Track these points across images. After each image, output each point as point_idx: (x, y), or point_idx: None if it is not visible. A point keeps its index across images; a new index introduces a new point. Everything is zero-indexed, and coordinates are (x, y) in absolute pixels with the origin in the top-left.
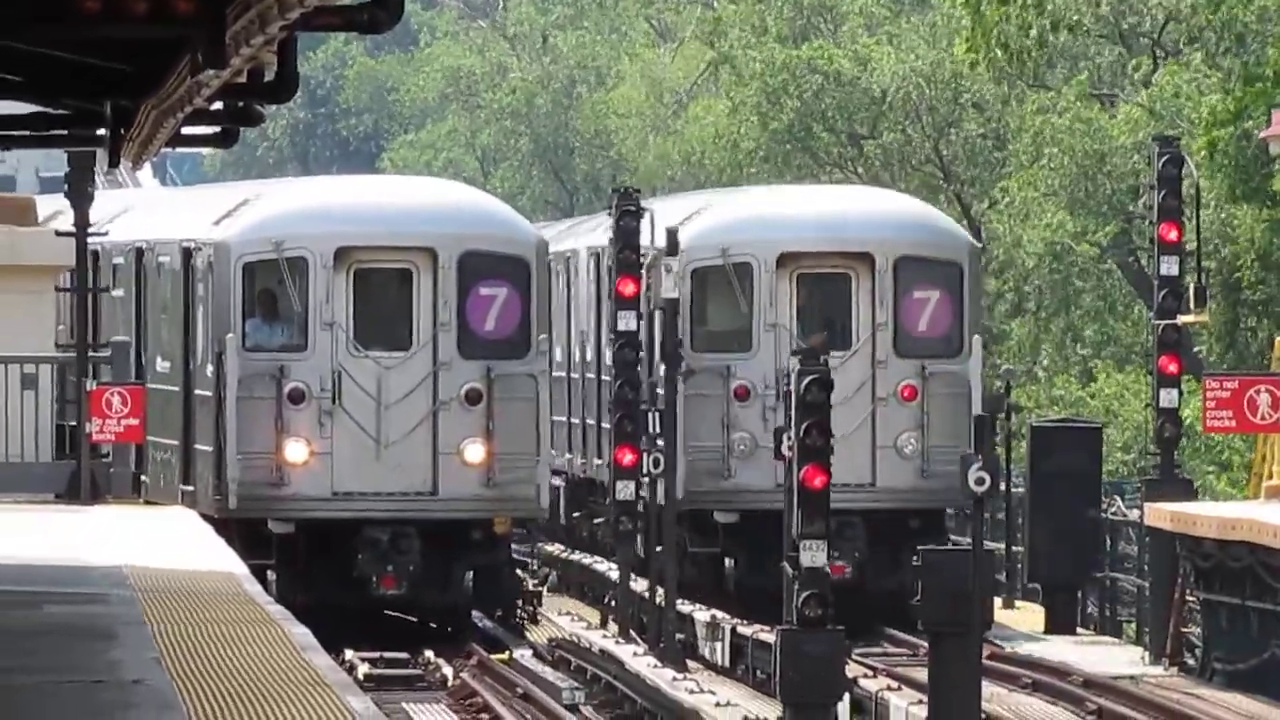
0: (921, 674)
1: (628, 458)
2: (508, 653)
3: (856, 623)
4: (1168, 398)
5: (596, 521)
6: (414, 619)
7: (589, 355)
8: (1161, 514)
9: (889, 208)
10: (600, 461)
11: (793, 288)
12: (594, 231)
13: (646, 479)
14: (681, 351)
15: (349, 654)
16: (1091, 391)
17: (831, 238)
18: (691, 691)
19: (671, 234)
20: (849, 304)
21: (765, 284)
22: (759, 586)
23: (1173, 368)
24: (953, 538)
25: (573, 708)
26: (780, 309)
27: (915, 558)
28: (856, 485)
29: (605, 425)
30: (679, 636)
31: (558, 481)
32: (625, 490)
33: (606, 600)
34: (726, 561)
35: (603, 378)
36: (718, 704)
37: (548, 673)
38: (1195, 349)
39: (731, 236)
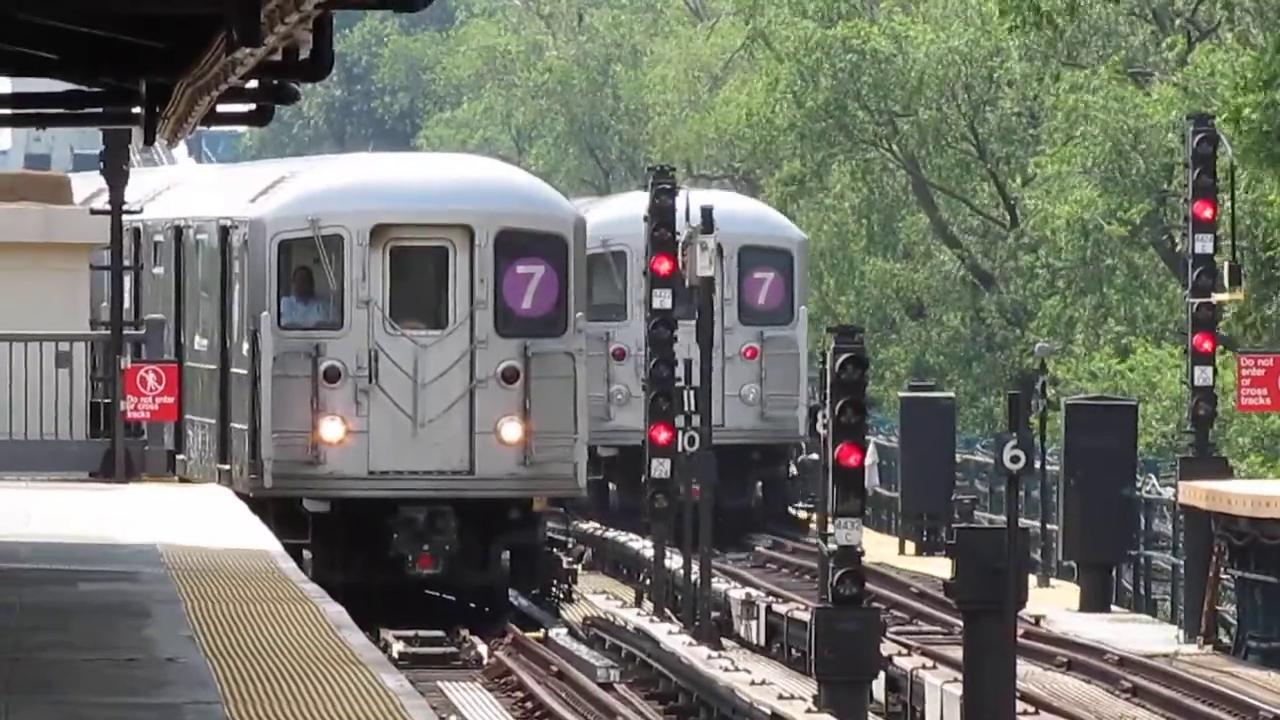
0: (956, 652)
1: (663, 435)
2: (542, 631)
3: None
4: (1202, 375)
5: None
6: (451, 598)
7: None
8: (1196, 492)
9: (731, 207)
10: None
11: None
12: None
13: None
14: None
15: (384, 633)
16: (1130, 365)
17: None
18: (726, 669)
19: (707, 212)
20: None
21: (636, 268)
22: (632, 506)
23: (1207, 345)
24: (988, 516)
25: (607, 686)
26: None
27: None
28: (716, 424)
29: None
30: (714, 614)
31: None
32: (660, 468)
33: (641, 578)
34: (610, 486)
35: None
36: (753, 682)
37: (583, 651)
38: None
39: (617, 230)
